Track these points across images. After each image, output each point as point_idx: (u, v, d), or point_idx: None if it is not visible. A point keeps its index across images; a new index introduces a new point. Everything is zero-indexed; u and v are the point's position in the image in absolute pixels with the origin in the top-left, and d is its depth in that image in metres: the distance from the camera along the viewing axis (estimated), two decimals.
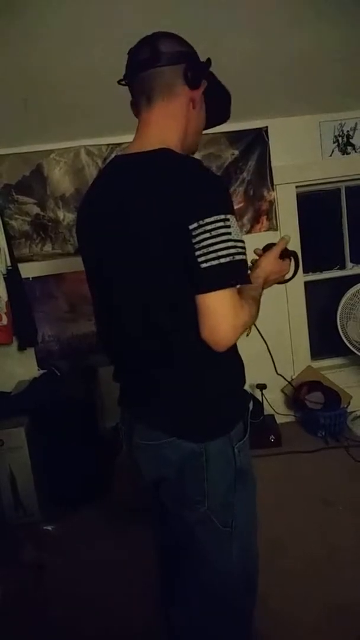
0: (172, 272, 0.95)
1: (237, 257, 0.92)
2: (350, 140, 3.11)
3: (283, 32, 2.26)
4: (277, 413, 3.21)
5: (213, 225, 0.90)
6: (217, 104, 1.13)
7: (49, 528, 2.35)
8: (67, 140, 2.87)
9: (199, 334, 0.96)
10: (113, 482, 2.46)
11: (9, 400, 2.74)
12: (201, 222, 0.90)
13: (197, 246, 0.91)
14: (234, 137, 2.95)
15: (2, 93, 2.36)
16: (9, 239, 2.91)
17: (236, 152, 3.00)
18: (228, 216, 0.92)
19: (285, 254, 1.25)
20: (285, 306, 3.21)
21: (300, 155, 3.07)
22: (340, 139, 3.10)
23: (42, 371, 3.02)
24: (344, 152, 3.12)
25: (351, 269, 3.35)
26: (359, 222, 3.34)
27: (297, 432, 3.12)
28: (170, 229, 0.92)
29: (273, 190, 3.08)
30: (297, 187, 3.15)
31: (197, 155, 3.17)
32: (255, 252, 1.26)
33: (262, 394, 3.11)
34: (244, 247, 0.95)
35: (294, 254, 1.29)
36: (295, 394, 3.20)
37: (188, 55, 1.04)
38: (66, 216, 2.97)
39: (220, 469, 1.04)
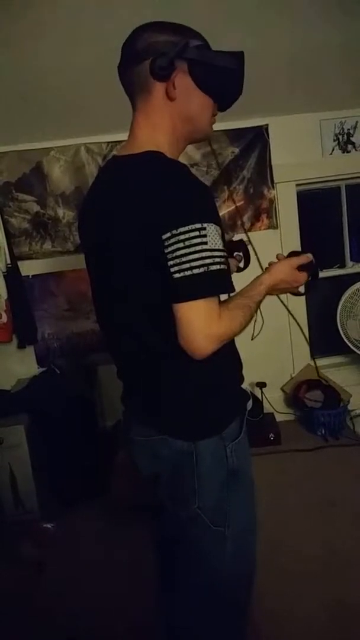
0: (150, 280, 0.95)
1: (213, 267, 0.90)
2: (351, 138, 3.11)
3: (284, 30, 2.26)
4: (277, 411, 3.21)
5: (187, 235, 0.88)
6: (224, 78, 1.04)
7: (49, 526, 2.36)
8: (67, 137, 2.86)
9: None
10: (112, 480, 2.46)
11: (8, 398, 2.74)
12: (174, 232, 0.88)
13: (169, 256, 0.89)
14: (234, 135, 2.94)
15: (2, 90, 2.36)
16: (9, 236, 2.91)
17: (236, 150, 2.99)
18: (205, 225, 0.89)
19: (305, 268, 1.18)
20: (285, 304, 3.20)
21: (301, 154, 3.07)
22: (340, 137, 3.10)
23: (41, 369, 3.02)
24: (344, 150, 3.12)
25: (351, 267, 3.35)
26: (358, 222, 3.34)
27: (296, 431, 3.12)
28: (144, 237, 0.92)
29: (273, 188, 3.08)
30: (297, 185, 3.15)
31: (197, 153, 3.18)
32: (277, 257, 1.24)
33: (262, 392, 3.11)
34: (222, 257, 0.92)
35: (314, 272, 1.21)
36: (295, 392, 3.20)
37: (157, 46, 0.99)
38: (66, 214, 2.96)
39: (212, 468, 1.04)
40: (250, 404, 3.14)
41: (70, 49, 2.16)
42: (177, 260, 0.89)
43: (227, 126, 2.85)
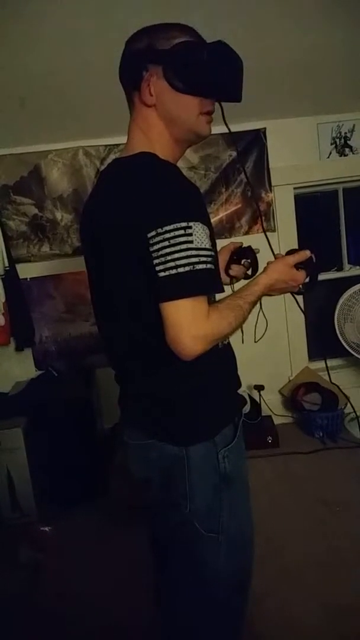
0: (137, 279, 0.95)
1: (199, 267, 0.88)
2: (348, 142, 3.12)
3: (281, 34, 2.27)
4: (275, 414, 3.21)
5: (172, 234, 0.87)
6: (206, 73, 1.00)
7: (46, 529, 2.35)
8: (65, 140, 2.87)
9: None
10: (110, 483, 2.46)
11: (6, 401, 2.74)
12: (159, 230, 0.87)
13: (155, 255, 0.89)
14: (231, 139, 2.96)
15: (0, 93, 2.36)
16: (7, 239, 2.90)
17: (234, 154, 3.01)
18: (191, 224, 0.88)
19: (304, 266, 1.13)
20: (283, 307, 3.21)
21: (298, 157, 3.08)
22: (338, 140, 3.11)
23: (39, 372, 3.01)
24: (341, 153, 3.13)
25: (349, 270, 3.36)
26: (357, 224, 3.35)
27: (294, 433, 3.13)
28: (131, 236, 0.91)
29: (271, 191, 3.09)
30: (294, 188, 3.16)
31: (194, 157, 3.18)
32: (275, 256, 1.21)
33: (260, 395, 3.11)
34: (209, 256, 0.91)
35: (313, 270, 1.15)
36: (293, 395, 3.20)
37: (130, 55, 1.02)
38: (64, 217, 2.97)
39: (203, 474, 1.03)
40: (247, 407, 3.15)
41: (68, 52, 2.17)
42: (162, 259, 0.88)
43: (225, 129, 2.86)
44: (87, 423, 2.65)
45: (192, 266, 0.88)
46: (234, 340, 1.11)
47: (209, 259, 0.91)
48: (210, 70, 1.00)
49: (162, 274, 0.89)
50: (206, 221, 0.94)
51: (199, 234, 0.89)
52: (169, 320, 0.90)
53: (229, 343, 1.12)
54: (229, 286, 1.37)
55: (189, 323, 0.89)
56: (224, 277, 1.38)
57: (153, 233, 0.88)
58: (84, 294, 2.87)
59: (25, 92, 2.37)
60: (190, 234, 0.88)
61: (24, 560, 2.15)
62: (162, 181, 0.93)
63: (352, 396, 3.20)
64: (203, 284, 0.90)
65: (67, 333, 3.08)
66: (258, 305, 1.11)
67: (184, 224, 0.88)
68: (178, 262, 0.87)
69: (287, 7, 2.12)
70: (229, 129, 1.15)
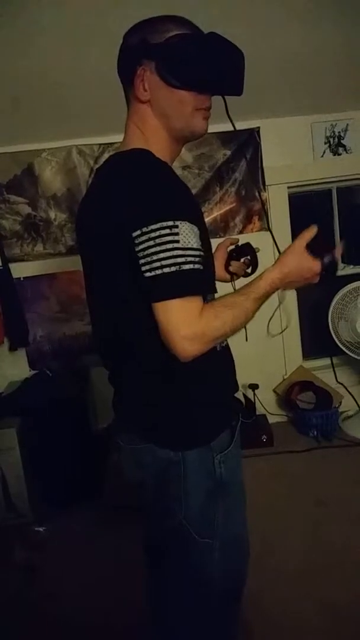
0: (126, 280, 0.93)
1: (185, 267, 0.85)
2: (342, 141, 3.12)
3: (275, 33, 2.27)
4: (269, 413, 3.21)
5: (158, 233, 0.85)
6: (200, 67, 0.97)
7: (41, 529, 2.34)
8: (58, 139, 2.85)
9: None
10: (105, 483, 2.46)
11: (0, 401, 2.73)
12: (145, 229, 0.85)
13: (140, 254, 0.87)
14: (226, 138, 2.96)
15: None
16: (0, 238, 2.89)
17: (228, 153, 3.01)
18: (177, 222, 0.85)
19: (316, 250, 1.02)
20: (276, 306, 3.21)
21: (292, 156, 3.08)
22: (331, 140, 3.12)
23: (33, 372, 3.00)
24: (335, 153, 3.14)
25: (342, 270, 3.36)
26: (350, 223, 3.36)
27: (289, 432, 3.13)
28: (117, 235, 0.90)
29: (265, 190, 3.09)
30: (288, 187, 3.16)
31: (188, 155, 3.17)
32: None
33: (254, 394, 3.11)
34: (196, 256, 0.88)
35: (329, 260, 1.03)
36: (287, 394, 3.21)
37: (124, 51, 1.00)
38: (58, 216, 2.95)
39: (199, 479, 1.01)
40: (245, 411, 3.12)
41: (62, 51, 2.16)
42: (148, 259, 0.86)
43: (219, 129, 2.85)
44: (81, 423, 2.64)
45: (178, 266, 0.85)
46: (232, 339, 1.09)
47: (197, 259, 0.88)
48: (205, 64, 0.97)
49: (147, 274, 0.87)
50: (196, 220, 0.91)
51: (186, 234, 0.86)
52: (160, 321, 0.88)
53: (227, 346, 1.10)
54: (230, 283, 1.36)
55: (179, 323, 0.87)
56: (224, 274, 1.36)
57: (138, 232, 0.86)
58: (79, 294, 2.86)
59: (18, 91, 2.36)
60: (177, 233, 0.85)
61: (18, 561, 2.14)
62: (149, 179, 0.91)
63: (346, 395, 3.23)
64: (190, 284, 0.88)
65: (62, 333, 3.06)
66: (276, 300, 1.05)
67: (170, 223, 0.85)
68: (164, 262, 0.85)
69: (282, 7, 2.12)
70: (233, 124, 1.12)
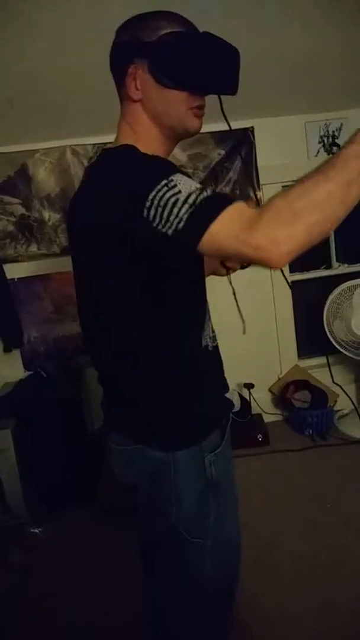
0: (118, 277, 0.92)
1: (200, 198, 0.78)
2: (336, 140, 3.13)
3: (269, 33, 2.27)
4: (265, 412, 3.22)
5: (159, 197, 0.79)
6: (192, 66, 0.95)
7: (37, 530, 2.34)
8: (52, 140, 2.84)
9: (155, 340, 0.95)
10: (100, 483, 2.45)
11: None
12: (147, 204, 0.79)
13: (156, 226, 0.79)
14: (220, 137, 2.96)
15: None
16: None
17: (222, 152, 3.00)
18: (170, 177, 0.80)
19: None
20: (272, 305, 3.22)
21: (286, 156, 3.08)
22: (325, 139, 3.12)
23: (28, 372, 2.98)
24: (329, 152, 3.14)
25: (337, 269, 3.37)
26: (345, 222, 3.35)
27: (284, 431, 3.13)
28: (113, 230, 0.86)
29: (259, 189, 3.09)
30: (283, 187, 3.16)
31: (183, 155, 3.16)
32: None
33: (250, 393, 3.12)
34: (202, 188, 0.81)
35: None
36: (283, 393, 3.21)
37: (115, 48, 0.98)
38: (52, 216, 2.94)
39: (190, 479, 1.01)
40: (238, 406, 3.13)
41: (56, 51, 2.15)
42: (163, 223, 0.78)
43: (213, 128, 2.85)
44: (76, 424, 2.64)
45: (193, 206, 0.77)
46: (224, 338, 1.09)
47: (206, 191, 0.80)
48: (199, 64, 0.94)
49: (170, 231, 0.78)
50: (179, 171, 0.86)
51: (183, 182, 0.80)
52: (223, 248, 0.77)
53: (216, 346, 1.10)
54: (226, 278, 1.34)
55: (244, 226, 0.74)
56: (220, 268, 1.34)
57: (145, 213, 0.80)
58: (73, 294, 2.81)
59: (12, 92, 2.35)
60: (175, 185, 0.79)
61: (14, 562, 2.14)
62: (129, 165, 0.88)
63: (341, 393, 3.24)
64: (217, 202, 0.78)
65: (56, 333, 3.05)
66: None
67: (163, 182, 0.80)
68: (181, 212, 0.77)
69: (277, 7, 2.13)
70: (228, 124, 1.10)
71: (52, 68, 2.23)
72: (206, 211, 0.77)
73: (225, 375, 1.14)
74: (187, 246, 0.79)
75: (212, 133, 2.90)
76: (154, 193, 0.79)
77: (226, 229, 0.76)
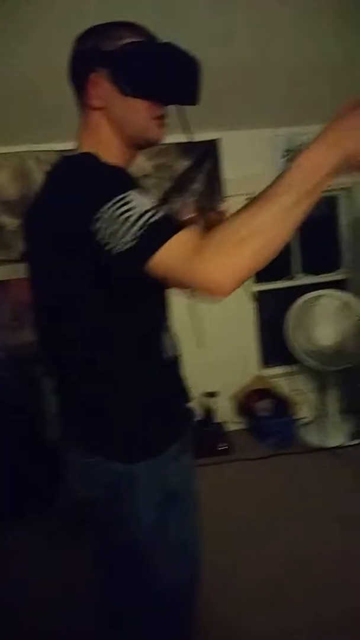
0: (78, 284, 0.91)
1: (152, 220, 0.78)
2: None
3: (235, 45, 2.30)
4: (227, 421, 3.23)
5: (111, 211, 0.78)
6: (153, 76, 0.95)
7: None
8: (12, 144, 2.79)
9: (111, 348, 0.94)
10: (57, 494, 2.40)
11: None
12: (99, 216, 0.79)
13: (104, 240, 0.79)
14: (185, 148, 2.97)
15: None
16: None
17: (187, 163, 3.02)
18: (125, 194, 0.80)
19: None
20: (234, 315, 3.24)
21: (251, 168, 3.12)
22: (290, 153, 3.19)
23: None
24: None
25: (300, 279, 3.43)
26: (308, 233, 3.43)
27: (247, 440, 3.15)
28: (70, 237, 0.86)
29: (224, 201, 3.12)
30: (247, 199, 3.19)
31: (147, 164, 3.15)
32: None
33: (212, 402, 3.12)
34: (156, 209, 0.80)
35: None
36: (245, 402, 3.23)
37: (83, 54, 0.97)
38: (10, 222, 2.88)
39: (149, 491, 1.00)
40: (201, 414, 3.13)
41: (17, 56, 2.11)
42: (113, 239, 0.78)
43: (179, 139, 2.87)
44: (33, 432, 2.57)
45: (144, 227, 0.77)
46: (186, 346, 1.08)
47: (159, 212, 0.80)
48: (159, 73, 0.95)
49: (117, 250, 0.78)
50: (141, 191, 0.85)
51: (138, 199, 0.80)
52: (167, 278, 0.78)
53: (177, 355, 1.09)
54: None
55: (189, 256, 0.75)
56: None
57: (94, 226, 0.80)
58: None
59: None
60: (128, 202, 0.79)
61: None
62: (87, 175, 0.88)
63: (303, 402, 3.29)
64: (166, 227, 0.78)
65: (15, 341, 2.98)
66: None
67: (118, 197, 0.79)
68: (132, 231, 0.77)
69: (242, 19, 2.16)
70: (188, 135, 1.10)
71: (13, 73, 2.19)
72: (155, 236, 0.77)
73: (188, 384, 1.13)
74: (131, 268, 0.79)
75: (178, 144, 2.91)
76: (106, 207, 0.79)
77: (173, 256, 0.76)
